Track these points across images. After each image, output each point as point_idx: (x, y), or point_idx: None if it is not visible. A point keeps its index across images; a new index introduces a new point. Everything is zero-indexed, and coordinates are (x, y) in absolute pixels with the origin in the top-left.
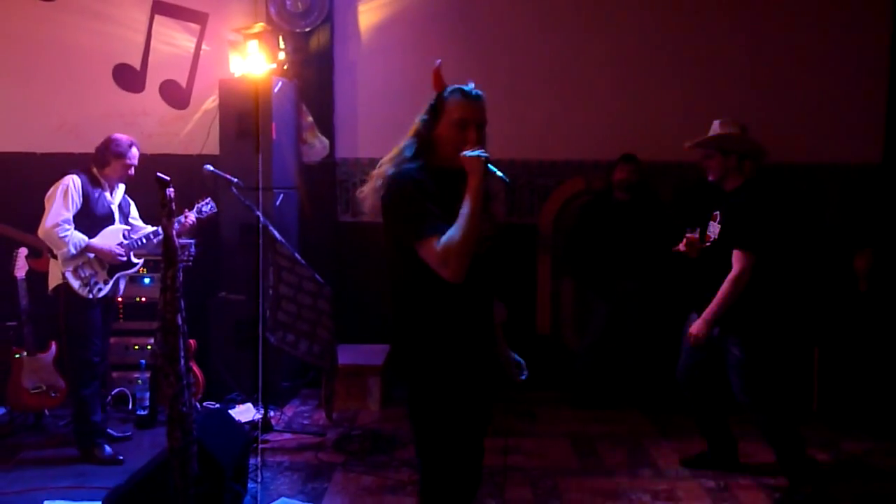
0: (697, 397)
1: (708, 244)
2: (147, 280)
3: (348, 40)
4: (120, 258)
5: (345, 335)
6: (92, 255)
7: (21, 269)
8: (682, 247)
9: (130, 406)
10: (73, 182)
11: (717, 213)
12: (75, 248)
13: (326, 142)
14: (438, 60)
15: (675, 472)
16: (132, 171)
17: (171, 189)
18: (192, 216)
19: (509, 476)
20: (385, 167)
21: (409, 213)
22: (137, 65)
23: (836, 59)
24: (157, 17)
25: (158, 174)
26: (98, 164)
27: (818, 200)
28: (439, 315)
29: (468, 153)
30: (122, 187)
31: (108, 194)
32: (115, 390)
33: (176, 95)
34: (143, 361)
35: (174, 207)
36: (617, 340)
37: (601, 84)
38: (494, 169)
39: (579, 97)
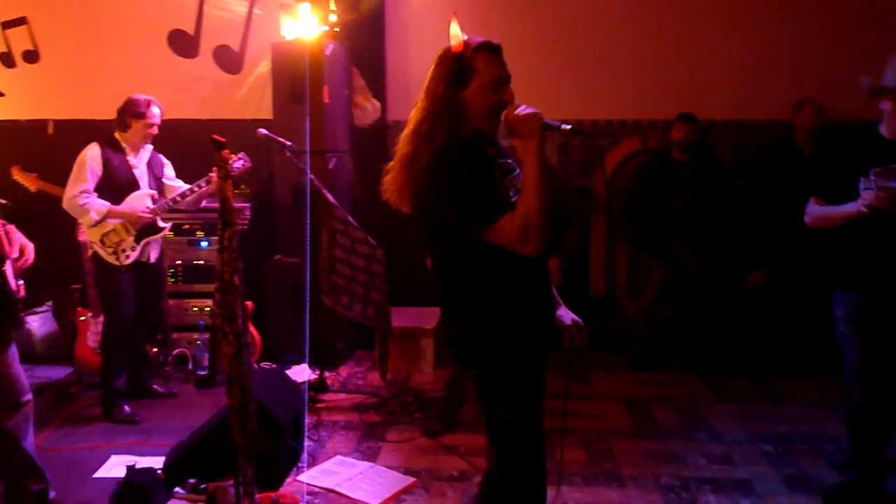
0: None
1: None
2: (204, 243)
3: (399, 2)
4: (145, 219)
5: (397, 297)
6: (117, 221)
7: (83, 233)
8: (872, 202)
9: (190, 366)
10: (91, 151)
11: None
12: (97, 215)
13: (378, 105)
14: (454, 15)
15: (731, 436)
16: (154, 129)
17: (238, 162)
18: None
19: (561, 437)
20: (413, 148)
21: (470, 196)
22: (191, 30)
23: None
24: None
25: (213, 136)
26: (120, 127)
27: None
28: (513, 297)
29: (523, 112)
30: (148, 149)
31: (132, 159)
32: (175, 351)
33: (229, 60)
34: (201, 323)
35: (228, 169)
36: (672, 303)
37: (656, 42)
38: (554, 123)
39: (634, 55)
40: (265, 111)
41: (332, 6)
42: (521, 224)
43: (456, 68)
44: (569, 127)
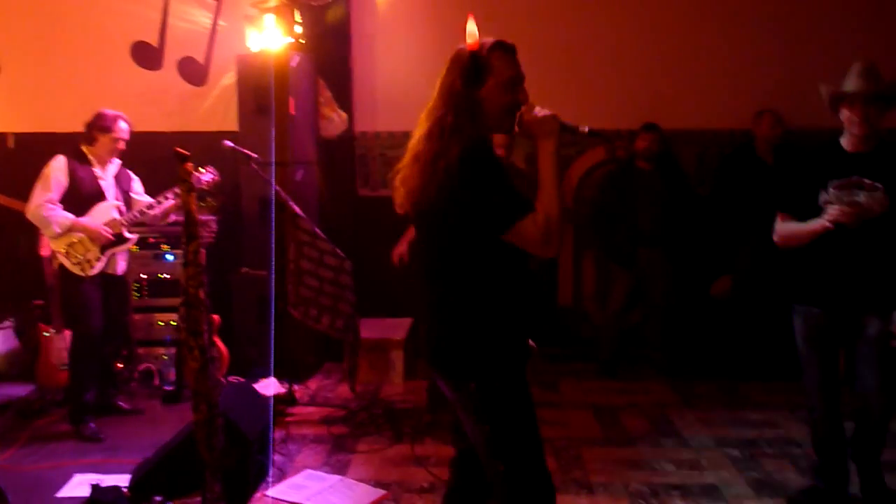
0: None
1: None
2: (170, 257)
3: (365, 13)
4: (106, 238)
5: (366, 309)
6: (81, 234)
7: (46, 247)
8: (837, 217)
9: (157, 382)
10: (57, 162)
11: (854, 178)
12: (60, 228)
13: (345, 116)
14: (470, 14)
15: (698, 441)
16: (121, 144)
17: (191, 164)
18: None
19: None
20: (436, 145)
21: (499, 195)
22: (155, 42)
23: (861, 18)
24: None
25: (177, 149)
26: (87, 140)
27: None
28: (514, 303)
29: (540, 113)
30: (116, 163)
31: (98, 171)
32: (141, 366)
33: (194, 72)
34: (167, 337)
35: (193, 182)
36: (639, 310)
37: (622, 52)
38: (570, 125)
39: (600, 67)
40: (231, 123)
41: (298, 18)
42: (544, 225)
43: (472, 66)
44: (587, 129)
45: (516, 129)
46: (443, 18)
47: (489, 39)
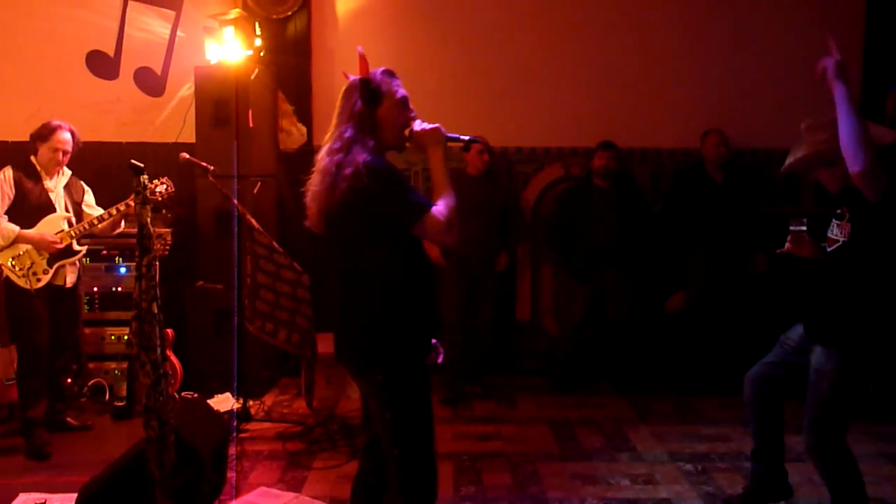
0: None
1: (830, 248)
2: (123, 269)
3: (326, 27)
4: (56, 247)
5: (323, 323)
6: (27, 245)
7: None
8: (788, 246)
9: (107, 397)
10: (3, 174)
11: (843, 209)
12: (3, 241)
13: (304, 129)
14: (360, 47)
15: (653, 456)
16: (61, 156)
17: (146, 176)
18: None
19: (488, 462)
20: (339, 157)
21: (403, 192)
22: (111, 51)
23: (809, 45)
24: (130, 3)
25: (132, 161)
26: (32, 150)
27: None
28: (420, 295)
29: (425, 126)
30: (67, 174)
31: (48, 182)
32: (92, 381)
33: (151, 83)
34: (119, 352)
35: (148, 195)
36: (596, 326)
37: (579, 72)
38: (454, 135)
39: (557, 85)
40: (188, 135)
41: (258, 30)
42: (445, 214)
43: (369, 91)
44: (467, 137)
45: (407, 144)
46: (402, 34)
47: (380, 68)
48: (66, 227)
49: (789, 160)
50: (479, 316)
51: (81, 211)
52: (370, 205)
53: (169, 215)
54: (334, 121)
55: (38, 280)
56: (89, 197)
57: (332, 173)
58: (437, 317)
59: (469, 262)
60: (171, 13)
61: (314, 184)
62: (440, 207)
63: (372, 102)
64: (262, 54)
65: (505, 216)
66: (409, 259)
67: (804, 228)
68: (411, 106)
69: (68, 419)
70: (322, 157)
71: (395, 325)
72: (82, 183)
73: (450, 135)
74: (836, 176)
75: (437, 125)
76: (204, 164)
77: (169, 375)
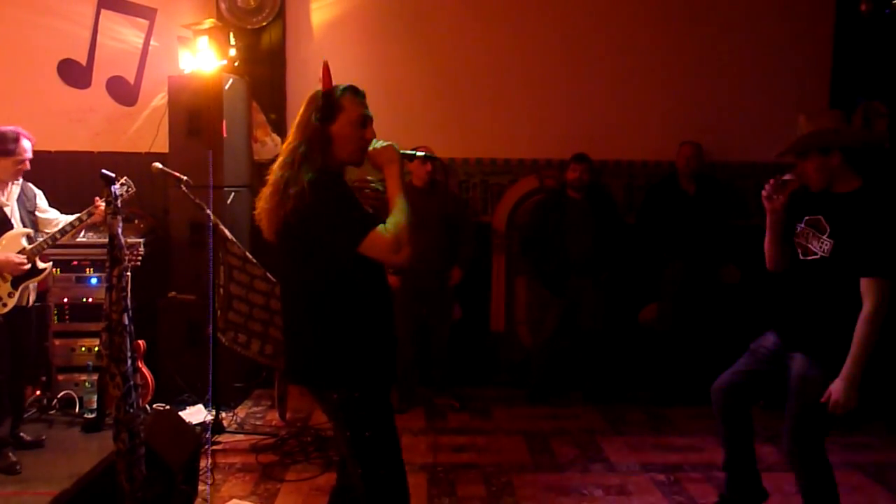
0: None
1: (806, 257)
2: (94, 280)
3: (301, 38)
4: (22, 268)
5: None
6: None
7: None
8: (767, 187)
9: (77, 409)
10: None
11: (818, 218)
12: None
13: (279, 139)
14: (325, 59)
15: (626, 467)
16: (26, 165)
17: (117, 186)
18: (101, 204)
19: (462, 473)
20: (288, 173)
21: (348, 212)
22: (84, 60)
23: (780, 59)
24: (103, 11)
25: (103, 171)
26: None
27: None
28: (373, 314)
29: (379, 145)
30: (18, 185)
31: (1, 197)
32: (61, 393)
33: (124, 92)
34: (89, 364)
35: (119, 205)
36: (570, 337)
37: (553, 84)
38: (410, 152)
39: (531, 97)
40: (161, 145)
41: (232, 40)
42: (394, 234)
43: (326, 105)
44: (422, 154)
45: (364, 161)
46: (376, 45)
47: (342, 84)
48: (26, 243)
49: (788, 147)
50: (434, 343)
51: (37, 219)
52: (313, 224)
53: (141, 225)
54: (292, 130)
55: (4, 305)
56: (41, 201)
57: (280, 191)
58: (392, 335)
59: (419, 276)
60: (145, 22)
61: (265, 198)
62: (388, 226)
63: (326, 118)
64: (236, 64)
65: (455, 229)
66: (360, 278)
67: (792, 178)
68: (371, 127)
69: (21, 434)
70: (275, 170)
71: (346, 344)
72: (31, 185)
73: (404, 152)
74: (824, 167)
75: (390, 143)
76: (177, 174)
77: (140, 387)
